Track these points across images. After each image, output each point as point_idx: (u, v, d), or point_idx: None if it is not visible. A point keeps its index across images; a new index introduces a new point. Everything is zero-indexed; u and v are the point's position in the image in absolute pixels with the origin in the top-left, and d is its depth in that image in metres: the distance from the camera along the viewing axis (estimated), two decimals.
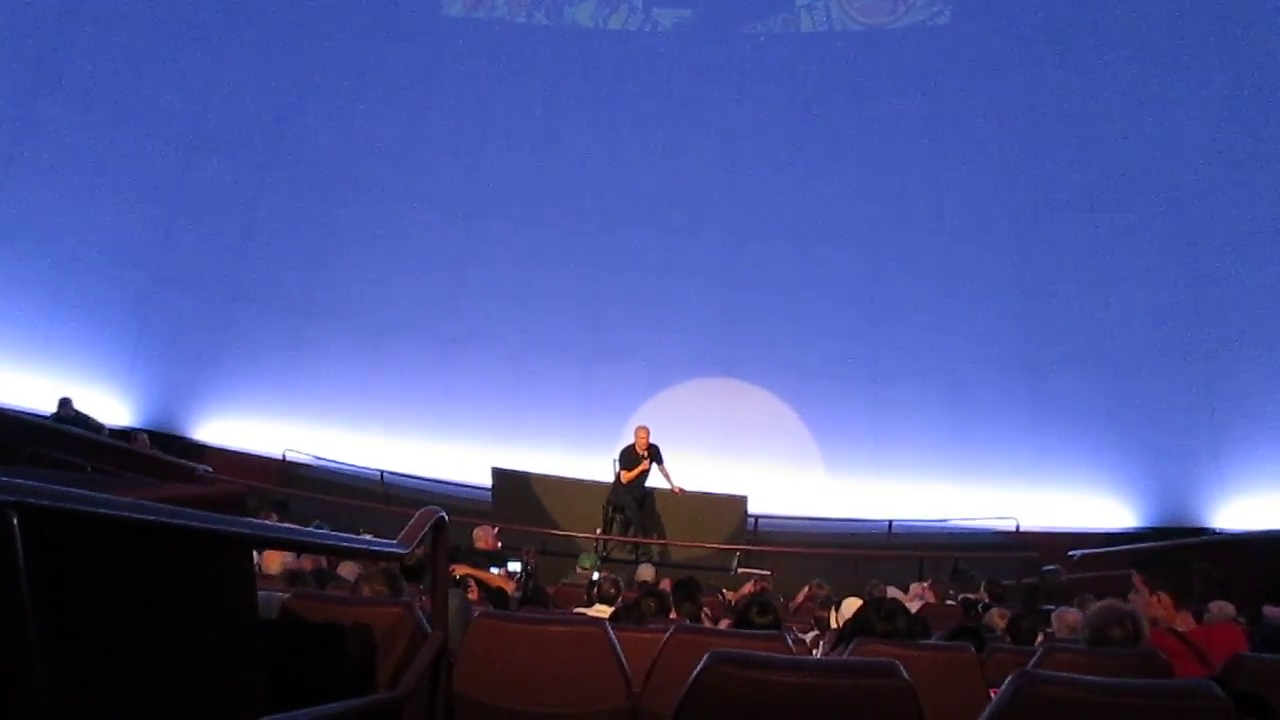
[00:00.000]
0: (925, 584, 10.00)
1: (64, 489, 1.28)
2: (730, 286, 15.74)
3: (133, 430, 13.59)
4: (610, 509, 12.16)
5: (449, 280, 15.95)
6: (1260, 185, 12.74)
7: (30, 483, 1.23)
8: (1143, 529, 13.18)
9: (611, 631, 3.69)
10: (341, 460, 14.38)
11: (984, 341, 14.73)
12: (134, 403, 14.61)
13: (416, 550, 2.85)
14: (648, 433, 12.10)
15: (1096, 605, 3.79)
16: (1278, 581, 7.96)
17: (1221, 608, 5.69)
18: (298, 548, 5.12)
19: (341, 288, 15.72)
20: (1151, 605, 3.80)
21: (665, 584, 8.14)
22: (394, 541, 2.75)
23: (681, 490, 12.23)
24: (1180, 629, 3.69)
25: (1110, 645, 3.51)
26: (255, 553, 4.86)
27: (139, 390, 14.69)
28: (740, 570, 11.91)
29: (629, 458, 12.02)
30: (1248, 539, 11.28)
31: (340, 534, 5.04)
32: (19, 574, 1.19)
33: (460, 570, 7.06)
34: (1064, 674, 2.34)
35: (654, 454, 12.02)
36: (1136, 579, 3.90)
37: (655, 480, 12.20)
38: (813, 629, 6.78)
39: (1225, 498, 12.79)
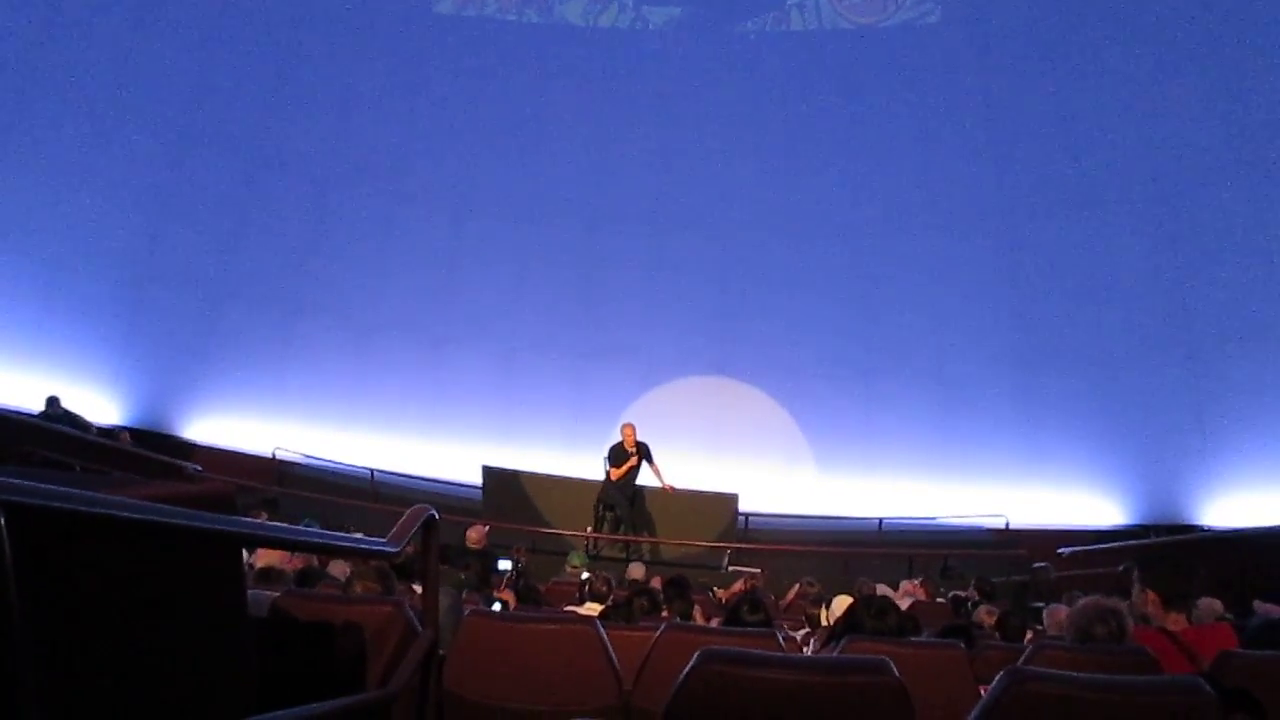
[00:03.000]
0: (916, 581, 10.01)
1: (53, 488, 1.27)
2: (721, 284, 15.75)
3: (116, 428, 13.53)
4: (601, 507, 12.18)
5: (439, 278, 15.92)
6: (1247, 183, 12.80)
7: (19, 482, 1.22)
8: (1132, 526, 13.23)
9: (602, 630, 3.68)
10: (331, 458, 14.35)
11: (973, 339, 14.77)
12: (123, 401, 14.56)
13: (407, 549, 2.85)
14: (634, 429, 12.15)
15: (1079, 603, 3.81)
16: (1268, 578, 8.00)
17: (1210, 604, 5.71)
18: (287, 546, 5.10)
19: (332, 285, 15.68)
20: (1145, 602, 3.82)
21: (656, 582, 8.14)
22: (384, 540, 2.75)
23: (672, 488, 12.25)
24: (1172, 628, 3.70)
25: (1095, 643, 3.53)
26: (246, 551, 4.85)
27: (128, 388, 14.64)
28: (731, 568, 11.92)
29: (617, 455, 12.06)
30: (1237, 536, 11.32)
31: (330, 532, 5.03)
32: (7, 573, 1.18)
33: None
34: (1053, 670, 2.34)
35: (642, 451, 12.05)
36: (1136, 574, 3.93)
37: (647, 479, 12.22)
38: (804, 627, 6.79)
39: (1214, 494, 12.85)
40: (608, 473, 12.12)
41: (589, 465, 12.90)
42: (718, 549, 12.39)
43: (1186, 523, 12.84)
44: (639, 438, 12.14)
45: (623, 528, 12.17)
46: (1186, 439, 13.22)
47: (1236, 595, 6.73)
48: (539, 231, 15.86)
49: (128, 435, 13.06)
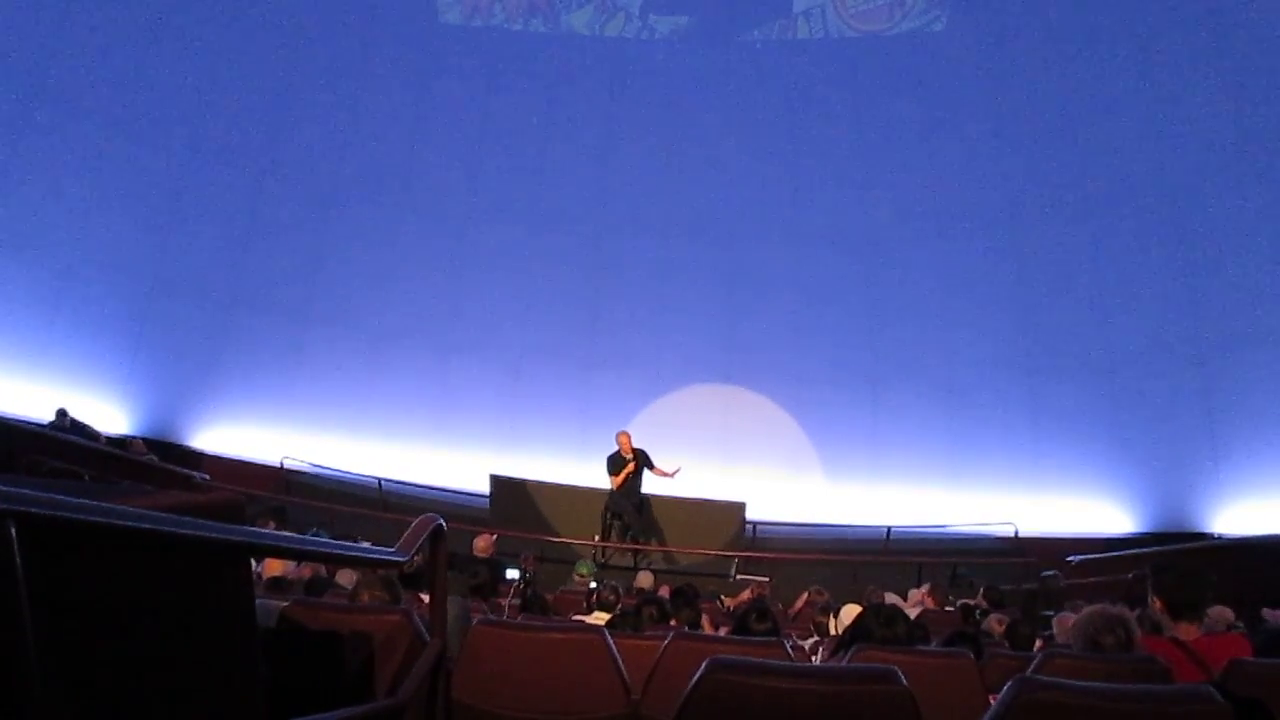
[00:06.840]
0: (924, 590, 9.99)
1: (62, 498, 1.27)
2: (728, 292, 15.76)
3: (128, 437, 13.56)
4: (609, 515, 12.18)
5: (446, 287, 15.95)
6: (1256, 188, 12.75)
7: (28, 492, 1.23)
8: (1142, 534, 13.16)
9: (610, 639, 3.68)
10: (339, 468, 14.36)
11: (982, 346, 14.74)
12: (132, 410, 14.59)
13: (415, 558, 2.85)
14: (629, 436, 12.17)
15: (1086, 611, 3.78)
16: (1278, 587, 7.95)
17: (1221, 613, 5.68)
18: (295, 556, 5.11)
19: (339, 295, 15.72)
20: (1158, 609, 3.81)
21: (664, 590, 8.13)
22: (392, 549, 2.75)
23: (666, 472, 12.15)
24: (1183, 638, 3.67)
25: (1103, 652, 3.51)
26: (254, 561, 4.86)
27: (137, 398, 14.67)
28: (738, 577, 11.89)
29: (615, 463, 12.07)
30: (1247, 544, 11.26)
31: (338, 542, 5.04)
32: (17, 583, 1.18)
33: None
34: (1063, 679, 2.33)
35: (640, 457, 12.05)
36: (1150, 583, 3.92)
37: (656, 486, 12.20)
38: (812, 635, 6.77)
39: (1224, 502, 12.78)
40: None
41: (597, 474, 12.90)
42: (725, 557, 12.36)
43: (1197, 530, 12.78)
44: (635, 444, 12.14)
45: (630, 536, 12.16)
46: (1196, 446, 13.16)
47: (1248, 604, 6.70)
48: (546, 240, 15.89)
49: (140, 443, 13.08)
